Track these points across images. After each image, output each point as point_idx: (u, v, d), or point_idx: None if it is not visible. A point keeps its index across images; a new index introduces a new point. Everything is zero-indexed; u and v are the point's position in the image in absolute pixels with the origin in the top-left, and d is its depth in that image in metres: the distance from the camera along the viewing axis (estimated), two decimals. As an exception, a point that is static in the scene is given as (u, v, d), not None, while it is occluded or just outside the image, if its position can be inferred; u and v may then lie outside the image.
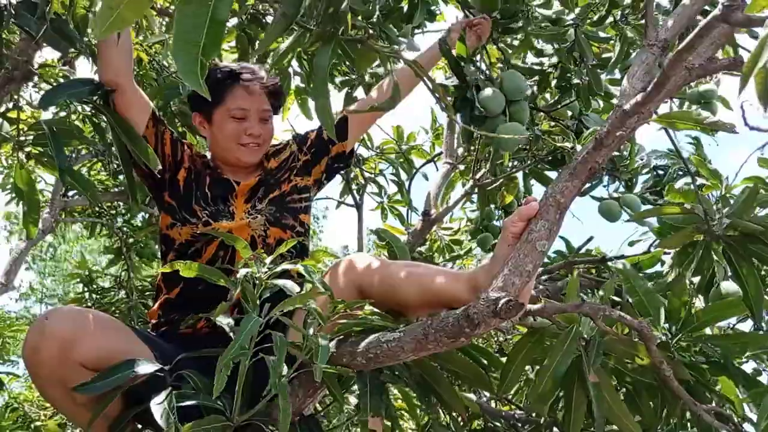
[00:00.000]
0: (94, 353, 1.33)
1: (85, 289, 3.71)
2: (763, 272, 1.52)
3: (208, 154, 1.81)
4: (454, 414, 1.66)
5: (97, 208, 4.08)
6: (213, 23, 0.81)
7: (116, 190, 3.89)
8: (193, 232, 1.64)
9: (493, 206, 2.94)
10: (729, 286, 1.57)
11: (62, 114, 3.02)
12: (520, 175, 2.67)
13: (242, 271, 1.32)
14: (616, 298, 1.58)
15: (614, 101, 2.38)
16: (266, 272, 1.34)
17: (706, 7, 1.40)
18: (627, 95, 1.23)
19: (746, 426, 1.49)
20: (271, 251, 1.49)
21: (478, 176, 2.54)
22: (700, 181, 1.79)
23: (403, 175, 3.39)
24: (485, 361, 1.58)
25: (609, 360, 1.41)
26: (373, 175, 3.45)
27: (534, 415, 2.75)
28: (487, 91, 1.87)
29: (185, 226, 1.65)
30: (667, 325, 1.47)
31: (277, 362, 1.17)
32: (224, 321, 1.28)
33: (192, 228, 1.64)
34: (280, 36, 1.50)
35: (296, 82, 2.85)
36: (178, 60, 0.81)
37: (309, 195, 1.81)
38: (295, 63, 2.70)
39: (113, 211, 4.11)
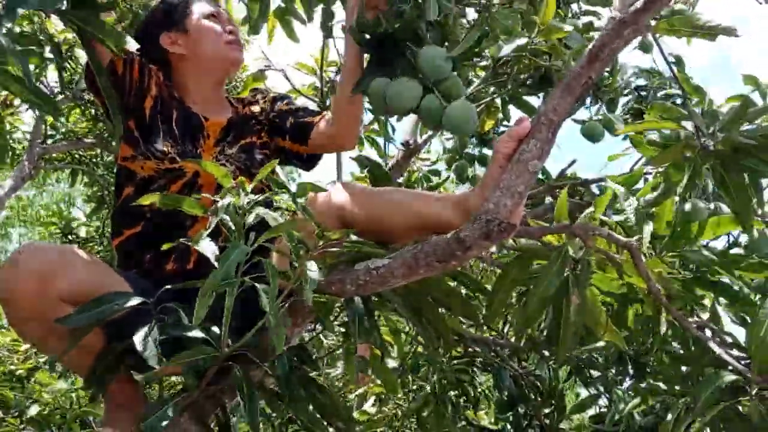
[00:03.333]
0: (73, 286, 1.28)
1: (65, 239, 3.64)
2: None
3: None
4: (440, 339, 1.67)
5: (77, 155, 3.95)
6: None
7: (93, 139, 3.76)
8: (157, 167, 1.55)
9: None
10: (698, 203, 1.56)
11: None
12: (498, 100, 2.61)
13: (225, 200, 1.27)
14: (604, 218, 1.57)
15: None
16: (249, 201, 1.29)
17: None
18: (621, 7, 1.18)
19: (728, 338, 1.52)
20: None
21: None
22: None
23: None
24: (470, 289, 1.58)
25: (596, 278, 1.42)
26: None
27: (513, 339, 2.82)
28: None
29: (149, 160, 1.55)
30: (652, 246, 1.48)
31: (272, 288, 1.14)
32: (208, 249, 1.22)
33: (157, 163, 1.55)
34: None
35: (277, 2, 2.65)
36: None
37: (269, 153, 1.73)
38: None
39: (94, 159, 3.99)
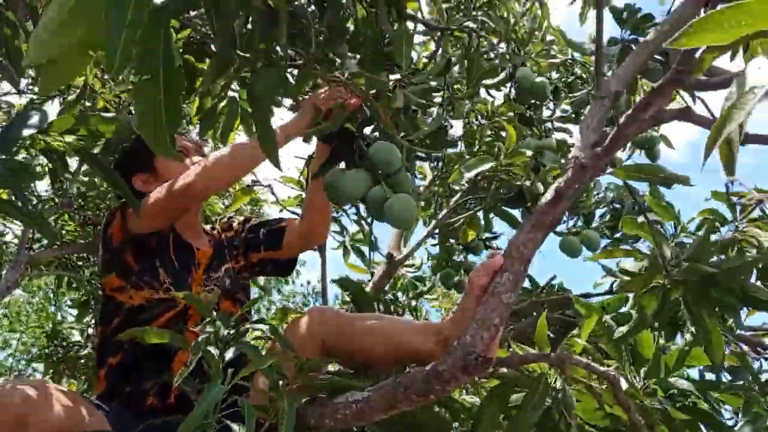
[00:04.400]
0: (52, 426, 1.26)
1: (52, 343, 3.60)
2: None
3: None
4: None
5: (64, 260, 3.96)
6: (168, 99, 0.80)
7: (83, 242, 3.78)
8: (150, 296, 1.58)
9: (453, 242, 2.96)
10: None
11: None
12: (480, 212, 2.69)
13: (204, 333, 1.29)
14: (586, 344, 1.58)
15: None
16: (229, 333, 1.31)
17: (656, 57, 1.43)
18: (582, 147, 1.25)
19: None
20: None
21: (440, 216, 2.55)
22: (654, 218, 1.81)
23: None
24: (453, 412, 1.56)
25: (579, 407, 1.41)
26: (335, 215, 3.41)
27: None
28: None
29: (141, 290, 1.58)
30: (634, 371, 1.48)
31: (247, 430, 1.13)
32: (188, 388, 1.25)
33: (151, 293, 1.58)
34: (220, 76, 1.44)
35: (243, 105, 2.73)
36: (147, 137, 0.84)
37: (247, 275, 1.81)
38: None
39: (81, 263, 4.00)
